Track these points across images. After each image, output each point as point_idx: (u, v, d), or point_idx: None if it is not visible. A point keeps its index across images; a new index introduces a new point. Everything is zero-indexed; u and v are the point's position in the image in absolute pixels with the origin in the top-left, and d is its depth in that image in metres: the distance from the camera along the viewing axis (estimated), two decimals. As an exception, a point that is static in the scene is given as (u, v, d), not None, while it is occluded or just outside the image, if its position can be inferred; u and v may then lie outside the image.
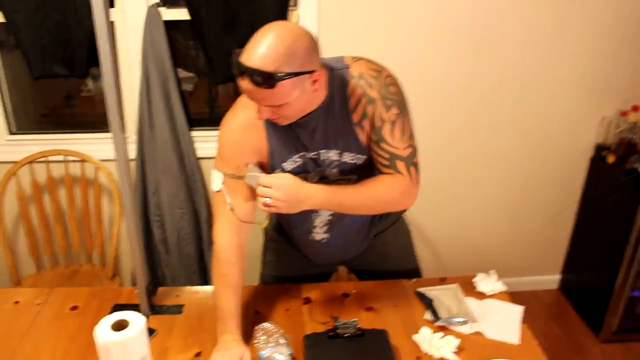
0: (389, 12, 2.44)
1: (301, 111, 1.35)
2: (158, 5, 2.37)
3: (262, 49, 1.20)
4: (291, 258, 1.83)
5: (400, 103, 1.41)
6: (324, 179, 1.50)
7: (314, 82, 1.28)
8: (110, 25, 1.35)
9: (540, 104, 2.71)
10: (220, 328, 1.46)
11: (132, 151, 2.51)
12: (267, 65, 1.19)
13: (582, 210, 2.98)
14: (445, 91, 2.63)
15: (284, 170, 1.47)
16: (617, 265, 2.64)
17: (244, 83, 1.23)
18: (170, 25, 2.42)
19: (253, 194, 1.48)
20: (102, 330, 1.17)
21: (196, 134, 2.59)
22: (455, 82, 2.62)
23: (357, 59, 1.43)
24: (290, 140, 1.44)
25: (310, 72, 1.26)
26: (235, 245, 1.48)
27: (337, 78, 1.39)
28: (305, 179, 1.45)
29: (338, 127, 1.42)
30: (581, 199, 2.97)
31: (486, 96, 2.67)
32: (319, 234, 1.64)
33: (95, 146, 2.55)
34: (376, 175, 1.47)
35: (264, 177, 1.37)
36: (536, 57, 2.60)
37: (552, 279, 3.21)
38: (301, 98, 1.28)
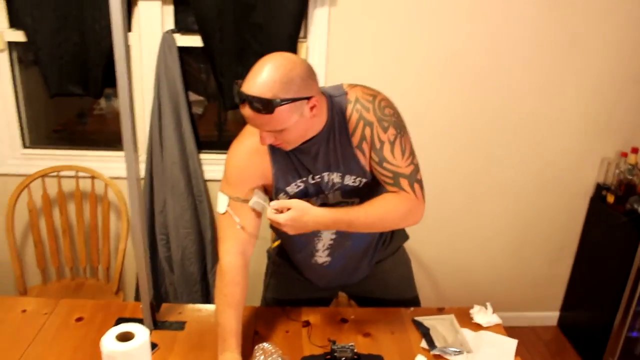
0: (396, 46, 2.51)
1: (302, 137, 1.41)
2: (173, 31, 2.45)
3: (261, 77, 1.28)
4: (293, 282, 1.87)
5: (397, 124, 1.47)
6: (325, 205, 1.55)
7: (312, 108, 1.35)
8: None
9: (544, 143, 2.77)
10: (221, 346, 1.50)
11: (141, 170, 2.57)
12: (265, 93, 1.27)
13: (582, 248, 3.01)
14: (450, 128, 2.69)
15: (287, 194, 1.53)
16: (616, 305, 2.66)
17: (245, 110, 1.31)
18: (182, 49, 2.49)
19: (257, 215, 1.54)
20: (108, 341, 1.21)
21: (204, 156, 2.64)
22: (460, 120, 2.68)
23: (354, 86, 1.50)
24: (293, 165, 1.51)
25: (308, 98, 1.33)
26: (240, 266, 1.53)
27: (336, 105, 1.46)
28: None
29: (339, 151, 1.48)
30: (581, 238, 3.01)
31: (491, 136, 2.72)
32: (321, 257, 1.69)
33: (105, 164, 2.62)
34: (377, 197, 1.53)
35: (274, 203, 1.44)
36: (540, 99, 2.67)
37: (551, 316, 3.22)
38: (300, 123, 1.35)
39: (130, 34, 2.43)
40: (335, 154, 1.49)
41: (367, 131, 1.46)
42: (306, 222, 1.44)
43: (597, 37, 2.57)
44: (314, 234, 1.64)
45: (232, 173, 1.53)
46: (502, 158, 2.78)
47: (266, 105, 1.27)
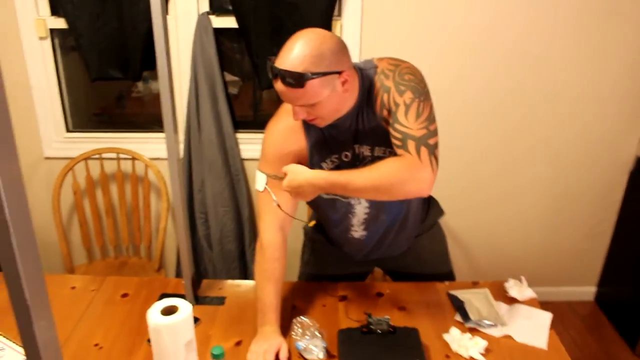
0: (431, 24, 2.51)
1: (335, 112, 1.44)
2: (208, 13, 2.49)
3: (292, 52, 1.32)
4: (329, 257, 1.91)
5: (415, 88, 1.42)
6: None
7: (344, 82, 1.37)
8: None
9: (583, 116, 2.73)
10: (260, 320, 1.55)
11: (180, 150, 2.64)
12: (296, 67, 1.31)
13: (621, 223, 2.98)
14: (487, 102, 2.68)
15: (322, 169, 1.56)
16: (655, 279, 2.64)
17: (278, 85, 1.35)
18: (217, 30, 2.53)
19: None
20: (154, 314, 1.27)
21: (241, 135, 2.69)
22: (499, 94, 2.67)
23: (382, 58, 1.51)
24: (326, 141, 1.54)
25: (339, 73, 1.35)
26: (280, 242, 1.58)
27: (366, 78, 1.47)
28: None
29: (367, 123, 1.50)
30: (620, 212, 2.97)
31: (529, 108, 2.70)
32: (357, 231, 1.72)
33: (145, 145, 2.69)
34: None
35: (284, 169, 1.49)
36: (579, 70, 2.63)
37: (588, 291, 3.20)
38: (332, 98, 1.38)
39: (167, 16, 2.47)
40: (364, 127, 1.51)
41: (385, 97, 1.44)
42: (301, 184, 1.42)
43: (637, 7, 2.51)
44: (348, 210, 1.67)
45: (269, 151, 1.57)
46: (540, 130, 2.76)
47: (297, 79, 1.31)
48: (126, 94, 2.93)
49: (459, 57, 2.59)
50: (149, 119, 2.86)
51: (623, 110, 2.72)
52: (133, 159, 2.56)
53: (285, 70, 1.31)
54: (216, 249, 2.73)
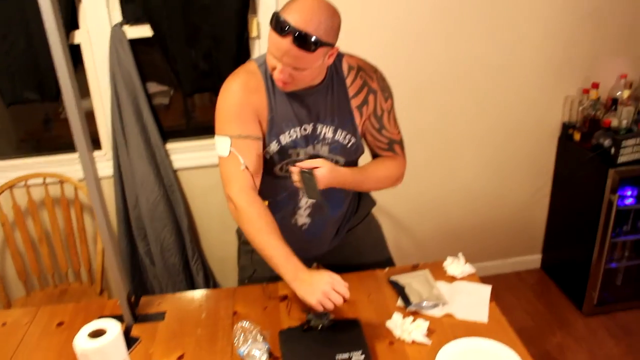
0: (352, 10, 2.50)
1: (311, 81, 1.46)
2: (121, 24, 2.42)
3: (310, 14, 1.30)
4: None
5: (392, 96, 1.66)
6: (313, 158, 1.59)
7: (330, 56, 1.41)
8: (71, 47, 1.40)
9: (507, 88, 2.79)
10: (292, 272, 1.46)
11: (110, 168, 2.57)
12: (312, 30, 1.30)
13: (556, 189, 3.06)
14: (415, 82, 2.71)
15: (279, 143, 1.55)
16: (592, 239, 2.71)
17: (285, 41, 1.31)
18: (139, 41, 2.47)
19: (258, 152, 1.53)
20: (81, 340, 1.23)
21: (171, 146, 2.64)
22: (424, 73, 2.70)
23: (351, 55, 1.60)
24: (290, 112, 1.53)
25: (333, 46, 1.39)
26: (259, 200, 1.51)
27: (337, 62, 1.54)
28: (297, 154, 1.58)
29: (336, 106, 1.54)
30: (553, 178, 3.05)
31: (455, 85, 2.75)
32: (302, 217, 1.72)
33: (74, 166, 2.60)
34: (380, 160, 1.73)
35: (300, 164, 1.50)
36: (499, 44, 2.69)
37: (534, 259, 3.29)
38: (318, 68, 1.41)
39: (77, 31, 2.40)
40: (332, 107, 1.54)
41: (371, 98, 1.59)
42: (332, 183, 1.55)
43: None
44: (297, 192, 1.66)
45: (231, 110, 1.51)
46: (470, 106, 2.81)
47: (311, 43, 1.30)
48: (53, 117, 2.83)
49: (385, 44, 2.61)
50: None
51: (545, 79, 2.80)
52: (61, 182, 2.47)
53: (301, 31, 1.29)
54: (159, 264, 2.67)
